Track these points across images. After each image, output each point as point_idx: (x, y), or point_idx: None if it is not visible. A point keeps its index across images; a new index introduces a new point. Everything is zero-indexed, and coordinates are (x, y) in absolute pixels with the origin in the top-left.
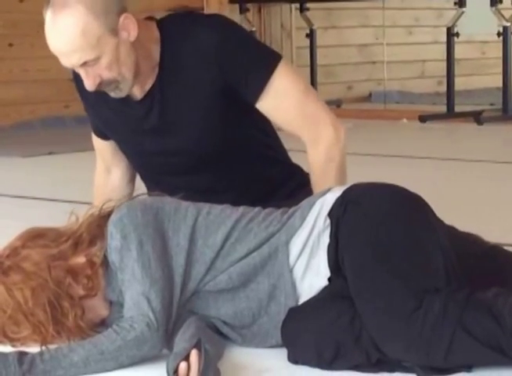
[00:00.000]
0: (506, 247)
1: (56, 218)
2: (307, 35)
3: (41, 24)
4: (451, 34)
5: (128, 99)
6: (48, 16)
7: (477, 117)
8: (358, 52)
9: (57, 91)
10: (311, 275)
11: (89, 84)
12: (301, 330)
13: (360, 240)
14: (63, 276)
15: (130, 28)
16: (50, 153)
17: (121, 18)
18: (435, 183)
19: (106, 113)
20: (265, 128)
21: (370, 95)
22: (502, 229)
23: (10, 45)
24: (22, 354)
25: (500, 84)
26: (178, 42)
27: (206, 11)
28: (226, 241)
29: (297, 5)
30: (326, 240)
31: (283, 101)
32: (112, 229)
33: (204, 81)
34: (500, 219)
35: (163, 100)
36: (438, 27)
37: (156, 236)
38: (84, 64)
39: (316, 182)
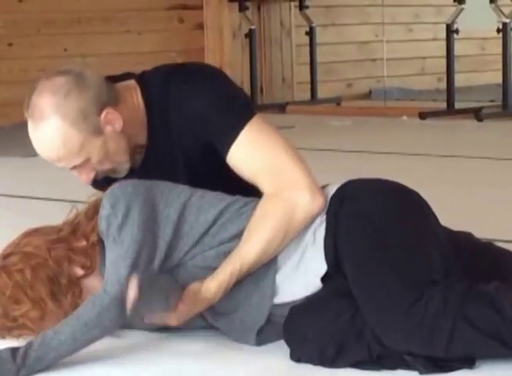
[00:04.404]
0: (505, 244)
1: (57, 217)
2: (306, 33)
3: (40, 24)
4: (451, 31)
5: None
6: (29, 124)
7: (477, 114)
8: (358, 49)
9: None
10: (304, 270)
11: (84, 180)
12: (303, 329)
13: (358, 234)
14: (62, 256)
15: (114, 121)
16: None
17: (102, 116)
18: (435, 180)
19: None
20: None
21: (370, 92)
22: (501, 225)
23: (10, 44)
24: (14, 350)
25: (500, 80)
26: (162, 108)
27: (205, 10)
28: (217, 220)
29: (297, 3)
30: (321, 234)
31: (251, 156)
32: (104, 200)
33: (189, 144)
34: (500, 216)
35: (158, 165)
36: (438, 24)
37: (145, 205)
38: (74, 167)
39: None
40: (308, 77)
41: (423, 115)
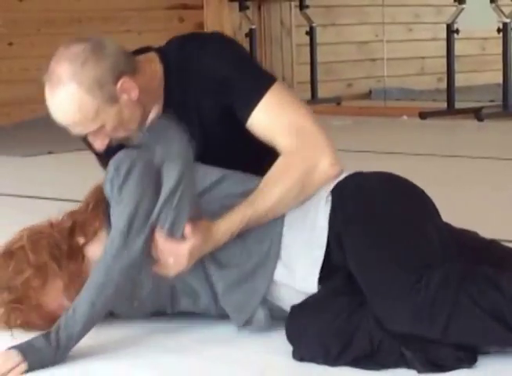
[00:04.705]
0: (504, 243)
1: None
2: (307, 33)
3: (41, 23)
4: (451, 31)
5: None
6: (46, 89)
7: (477, 114)
8: (358, 49)
9: None
10: (305, 242)
11: (98, 146)
12: (305, 328)
13: (360, 220)
14: (64, 228)
15: (130, 90)
16: (50, 153)
17: (118, 85)
18: (436, 180)
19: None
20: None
21: (370, 92)
22: (502, 225)
23: (10, 44)
24: (47, 335)
25: (500, 80)
26: (179, 71)
27: (205, 9)
28: (222, 181)
29: (297, 3)
30: (327, 215)
31: (275, 118)
32: (109, 165)
33: (206, 106)
34: (501, 215)
35: None
36: (438, 24)
37: (148, 164)
38: (89, 134)
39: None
40: (308, 77)
41: (423, 115)
